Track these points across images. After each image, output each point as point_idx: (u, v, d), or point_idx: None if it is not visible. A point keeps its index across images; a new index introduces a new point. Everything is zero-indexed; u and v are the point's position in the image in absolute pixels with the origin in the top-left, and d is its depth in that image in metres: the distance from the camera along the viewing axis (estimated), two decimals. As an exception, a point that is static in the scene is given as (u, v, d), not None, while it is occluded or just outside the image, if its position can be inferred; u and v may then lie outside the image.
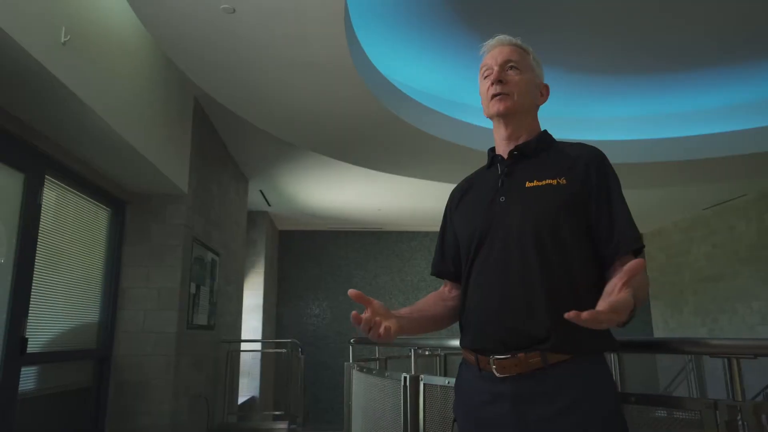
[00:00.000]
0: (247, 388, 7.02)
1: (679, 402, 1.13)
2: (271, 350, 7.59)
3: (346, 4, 2.90)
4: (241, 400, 6.44)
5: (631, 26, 3.92)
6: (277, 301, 8.98)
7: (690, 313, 8.24)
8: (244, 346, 6.26)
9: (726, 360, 1.09)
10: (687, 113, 5.40)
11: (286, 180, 6.53)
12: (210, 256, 4.87)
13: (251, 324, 7.43)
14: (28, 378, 3.03)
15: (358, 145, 4.82)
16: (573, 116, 5.39)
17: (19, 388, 2.88)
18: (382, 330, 1.09)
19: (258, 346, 7.26)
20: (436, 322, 1.33)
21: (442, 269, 1.38)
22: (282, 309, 9.00)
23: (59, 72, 2.41)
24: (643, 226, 9.08)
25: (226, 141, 5.30)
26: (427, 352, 4.25)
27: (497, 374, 1.12)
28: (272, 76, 3.51)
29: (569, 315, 0.88)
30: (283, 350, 7.38)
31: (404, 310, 1.24)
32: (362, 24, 3.68)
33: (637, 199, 7.21)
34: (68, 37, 2.48)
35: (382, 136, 4.56)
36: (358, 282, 9.14)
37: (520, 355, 1.10)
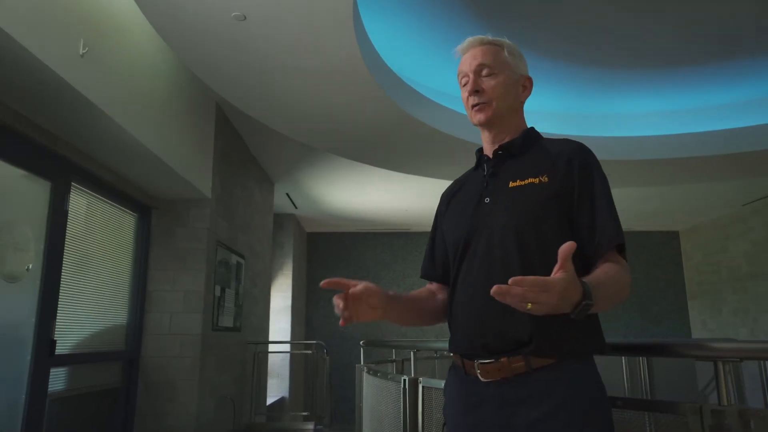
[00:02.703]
0: (277, 388, 7.12)
1: (665, 406, 1.10)
2: (297, 351, 7.66)
3: (356, 7, 2.92)
4: (270, 400, 6.54)
5: (662, 17, 3.80)
6: (307, 302, 9.07)
7: (729, 313, 7.95)
8: (270, 347, 6.34)
9: (713, 363, 1.05)
10: (723, 105, 5.21)
11: (312, 182, 6.59)
12: (235, 259, 4.96)
13: (280, 325, 7.53)
14: (58, 378, 3.15)
15: (377, 147, 4.83)
16: (603, 112, 5.27)
17: (50, 389, 3.00)
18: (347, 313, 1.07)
19: (284, 347, 7.35)
20: (424, 314, 1.31)
21: (432, 272, 1.37)
22: (311, 310, 9.09)
23: (78, 83, 2.50)
24: (678, 224, 8.81)
25: (249, 145, 5.39)
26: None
27: (482, 378, 1.12)
28: (284, 81, 3.55)
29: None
30: (309, 351, 7.45)
31: (394, 292, 1.20)
32: (375, 24, 3.69)
33: (671, 197, 7.01)
34: (86, 49, 2.57)
35: (400, 138, 4.56)
36: (387, 283, 9.15)
37: (504, 359, 1.09)
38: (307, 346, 7.66)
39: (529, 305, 0.88)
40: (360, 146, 4.82)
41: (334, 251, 9.32)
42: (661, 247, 9.14)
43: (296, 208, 7.70)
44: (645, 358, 4.11)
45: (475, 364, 1.13)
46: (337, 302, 1.07)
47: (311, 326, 8.95)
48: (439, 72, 4.47)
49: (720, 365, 1.02)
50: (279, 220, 7.76)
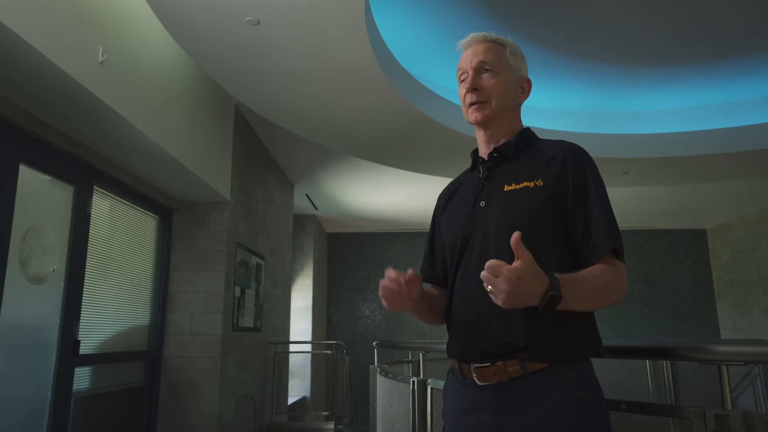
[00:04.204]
0: (298, 388, 7.18)
1: (669, 410, 1.08)
2: (317, 351, 7.71)
3: (368, 9, 2.93)
4: (291, 400, 6.59)
5: (691, 11, 3.72)
6: (328, 302, 9.13)
7: (761, 313, 7.73)
8: (291, 347, 6.39)
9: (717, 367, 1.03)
10: (752, 101, 5.08)
11: (332, 183, 6.63)
12: (255, 260, 5.02)
13: (301, 325, 7.59)
14: (83, 378, 3.24)
15: (395, 148, 4.83)
16: (628, 109, 5.18)
17: (75, 388, 3.08)
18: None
19: (305, 347, 7.40)
20: (437, 315, 1.32)
21: (432, 275, 1.37)
22: (332, 310, 9.14)
23: (98, 90, 2.56)
24: (706, 222, 8.61)
25: (269, 147, 5.45)
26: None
27: (478, 382, 1.12)
28: (298, 84, 3.57)
29: None
30: (329, 351, 7.49)
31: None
32: (388, 26, 3.69)
33: (699, 194, 6.85)
34: (105, 56, 2.63)
35: (417, 138, 4.56)
36: (407, 283, 9.14)
37: (499, 363, 1.09)
38: (328, 346, 7.70)
39: (489, 288, 0.92)
40: (377, 148, 4.83)
41: (354, 251, 9.36)
42: (688, 245, 8.95)
43: (316, 209, 7.75)
44: (669, 362, 4.03)
45: (472, 368, 1.13)
46: (392, 285, 1.12)
47: (332, 326, 9.00)
48: (453, 72, 4.46)
49: (724, 369, 1.00)
50: (300, 221, 7.83)
